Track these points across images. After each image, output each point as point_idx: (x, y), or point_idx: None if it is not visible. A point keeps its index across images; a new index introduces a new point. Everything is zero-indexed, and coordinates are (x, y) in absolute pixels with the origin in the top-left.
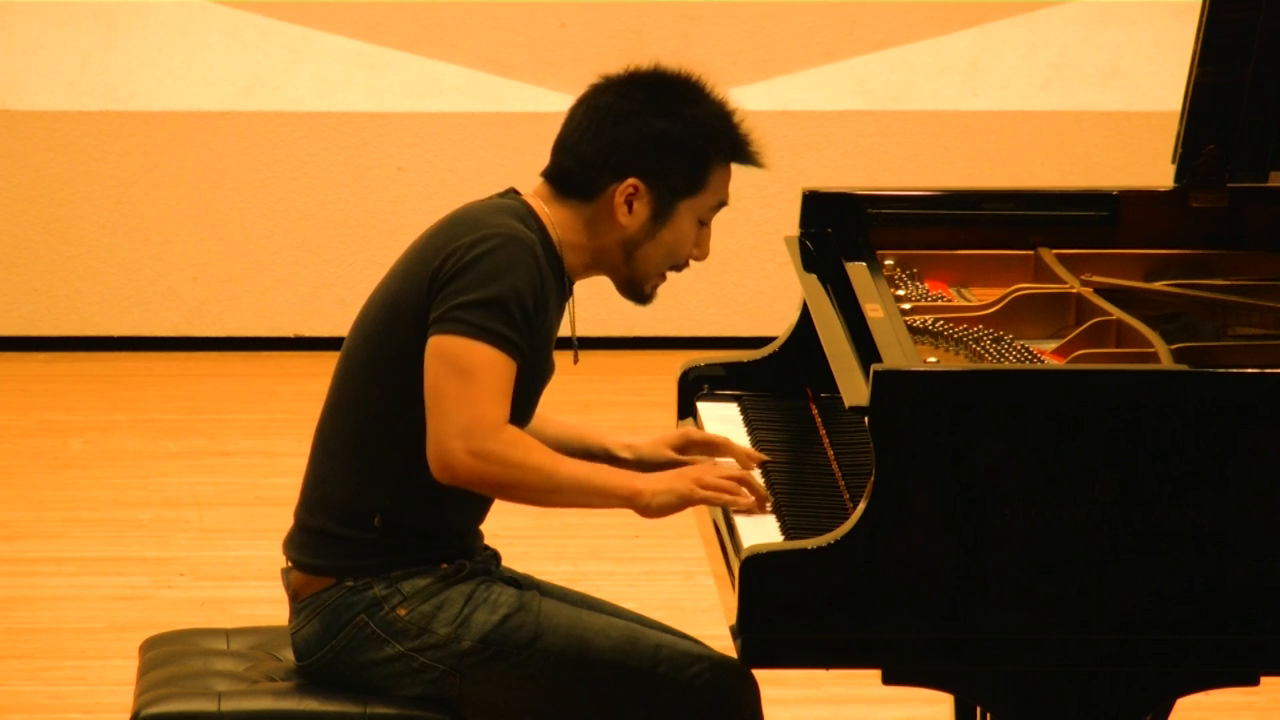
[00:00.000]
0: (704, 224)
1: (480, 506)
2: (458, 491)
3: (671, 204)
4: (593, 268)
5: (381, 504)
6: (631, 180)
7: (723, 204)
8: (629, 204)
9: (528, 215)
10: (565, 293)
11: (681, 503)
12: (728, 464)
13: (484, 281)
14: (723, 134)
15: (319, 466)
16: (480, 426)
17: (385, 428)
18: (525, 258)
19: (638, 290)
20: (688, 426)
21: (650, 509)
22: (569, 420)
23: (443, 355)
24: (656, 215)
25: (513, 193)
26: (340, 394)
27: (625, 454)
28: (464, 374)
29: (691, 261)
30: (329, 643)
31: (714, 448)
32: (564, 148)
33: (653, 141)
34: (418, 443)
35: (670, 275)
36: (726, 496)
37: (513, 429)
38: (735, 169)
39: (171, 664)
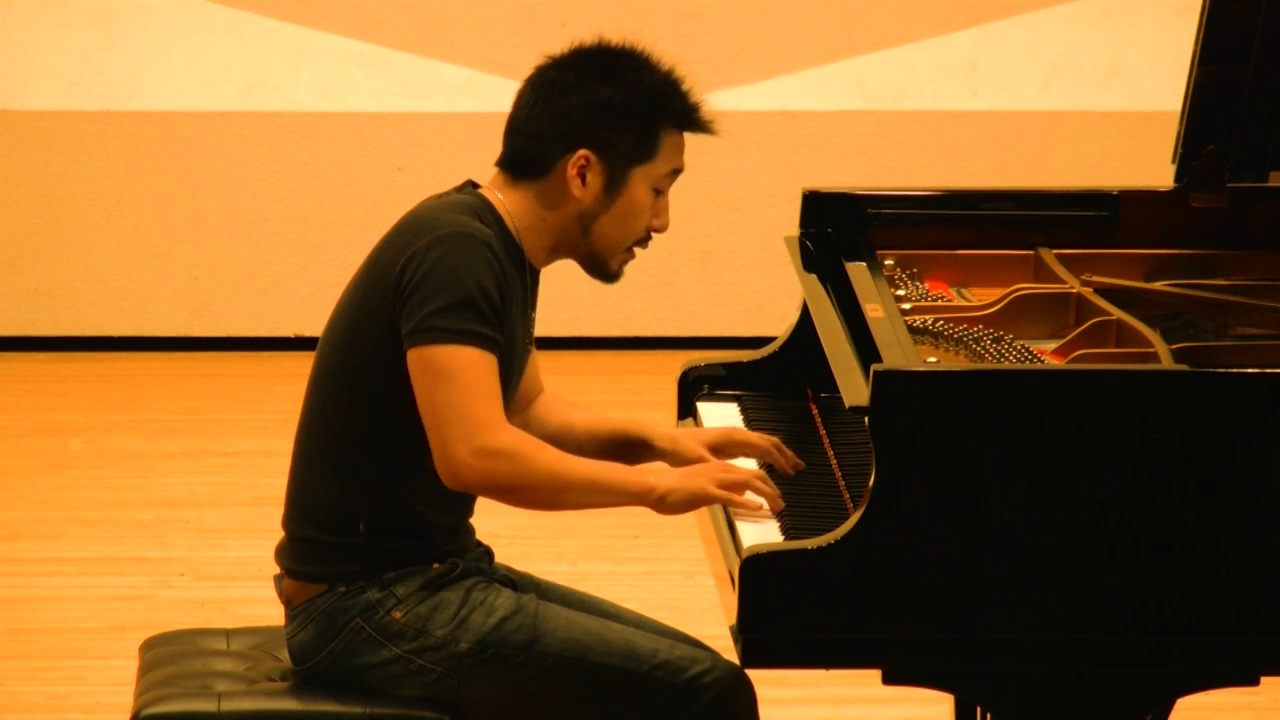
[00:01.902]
0: (660, 193)
1: (464, 503)
2: (438, 491)
3: (624, 172)
4: (555, 251)
5: (364, 509)
6: (583, 151)
7: (678, 171)
8: (581, 176)
9: (483, 209)
10: (529, 283)
11: (695, 501)
12: (744, 464)
13: (447, 284)
14: (670, 99)
15: (299, 476)
16: (479, 427)
17: (358, 435)
18: (482, 252)
19: (602, 267)
20: (732, 427)
21: (665, 505)
22: (603, 412)
23: (426, 366)
24: (610, 185)
25: (470, 185)
26: (313, 402)
27: (664, 445)
28: (451, 379)
29: (654, 235)
30: (325, 647)
31: (755, 451)
32: (514, 129)
33: (600, 110)
34: (391, 447)
35: (640, 253)
36: (736, 498)
37: (514, 429)
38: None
39: (171, 664)
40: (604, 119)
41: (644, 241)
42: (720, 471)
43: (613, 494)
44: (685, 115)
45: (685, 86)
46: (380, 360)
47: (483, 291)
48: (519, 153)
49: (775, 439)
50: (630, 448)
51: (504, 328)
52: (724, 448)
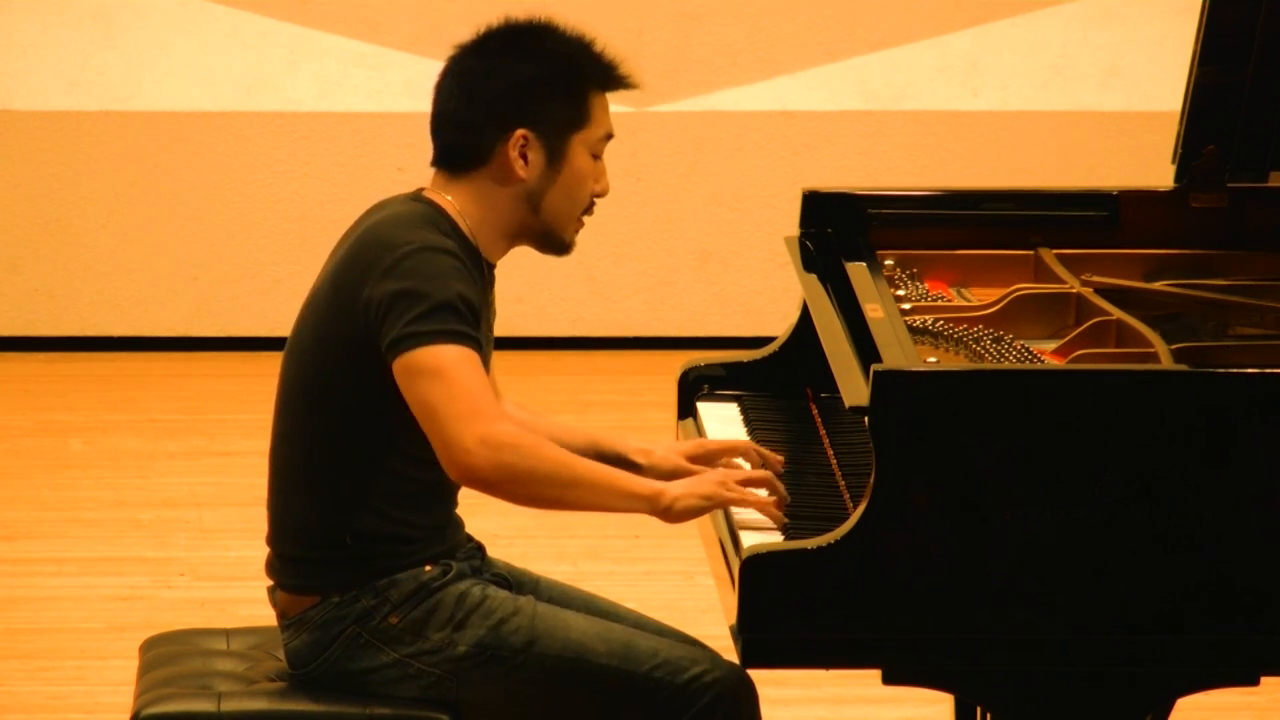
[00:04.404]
0: (597, 158)
1: (446, 502)
2: (418, 494)
3: (563, 142)
4: (509, 240)
5: (348, 523)
6: (519, 131)
7: (609, 136)
8: (523, 155)
9: (438, 217)
10: (486, 282)
11: (707, 505)
12: (744, 468)
13: (423, 294)
14: (589, 64)
15: (279, 496)
16: (482, 417)
17: (331, 453)
18: (450, 262)
19: (557, 241)
20: (703, 437)
21: (673, 512)
22: (571, 422)
23: (415, 371)
24: (551, 158)
25: (419, 192)
26: (283, 423)
27: (639, 459)
28: (442, 376)
29: (596, 201)
30: (322, 654)
31: (732, 453)
32: (443, 123)
33: (525, 87)
34: (366, 458)
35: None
36: (752, 498)
37: (515, 422)
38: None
39: (171, 664)
40: (532, 95)
41: (590, 209)
42: (729, 475)
43: (618, 495)
44: (607, 76)
45: (599, 48)
46: (348, 375)
47: (460, 296)
48: (454, 146)
49: (749, 441)
50: (604, 461)
51: (480, 330)
52: (700, 457)
